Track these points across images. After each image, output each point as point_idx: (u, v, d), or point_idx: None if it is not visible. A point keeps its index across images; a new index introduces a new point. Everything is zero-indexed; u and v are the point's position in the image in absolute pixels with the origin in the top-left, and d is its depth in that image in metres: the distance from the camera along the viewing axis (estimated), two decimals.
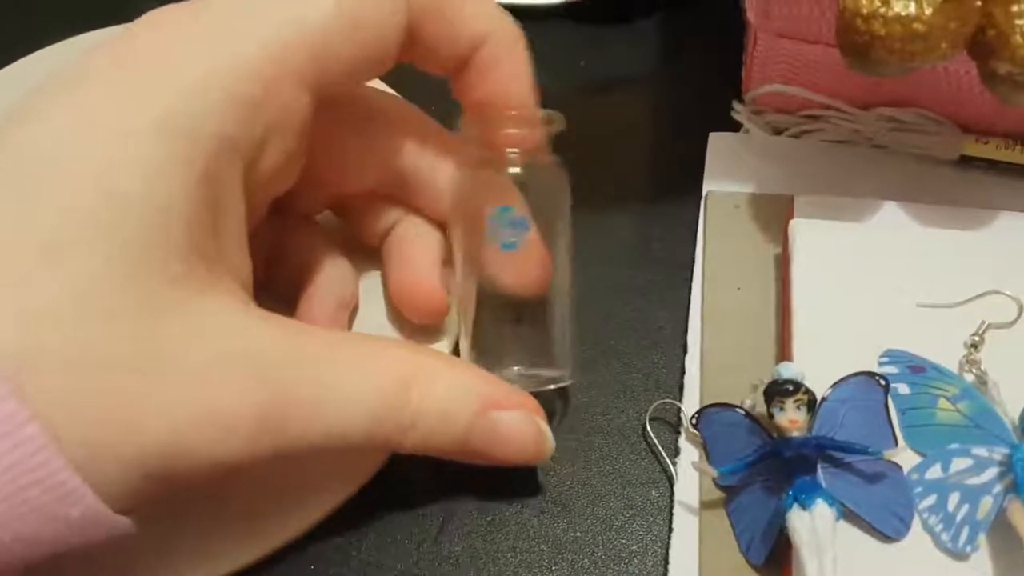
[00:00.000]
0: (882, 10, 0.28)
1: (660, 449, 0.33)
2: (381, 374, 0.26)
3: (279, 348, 0.25)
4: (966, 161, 0.37)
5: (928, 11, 0.28)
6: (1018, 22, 0.29)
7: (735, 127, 0.39)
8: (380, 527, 0.32)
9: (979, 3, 0.29)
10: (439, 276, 0.32)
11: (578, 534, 0.32)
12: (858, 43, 0.29)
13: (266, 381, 0.24)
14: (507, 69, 0.31)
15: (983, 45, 0.29)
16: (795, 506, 0.28)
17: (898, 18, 0.28)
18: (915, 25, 0.28)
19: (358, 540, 0.32)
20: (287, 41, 0.25)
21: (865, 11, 0.28)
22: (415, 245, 0.33)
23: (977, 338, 0.31)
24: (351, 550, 0.32)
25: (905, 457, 0.30)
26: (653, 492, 0.33)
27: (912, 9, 0.28)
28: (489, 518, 0.32)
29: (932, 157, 0.37)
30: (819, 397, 0.30)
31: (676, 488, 0.32)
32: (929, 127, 0.37)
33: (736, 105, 0.39)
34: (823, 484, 0.28)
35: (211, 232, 0.24)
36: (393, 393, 0.26)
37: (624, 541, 0.32)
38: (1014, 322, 0.32)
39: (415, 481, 0.33)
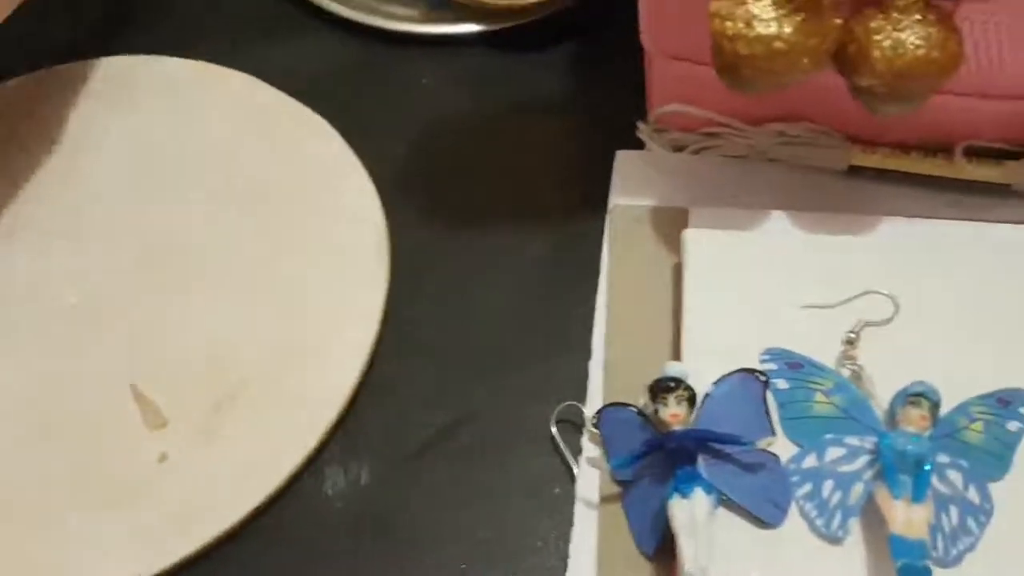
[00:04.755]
0: (745, 31, 0.30)
1: (564, 449, 0.35)
2: None
3: None
4: (855, 171, 0.39)
5: (788, 30, 0.30)
6: (876, 37, 0.31)
7: (643, 145, 0.42)
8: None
9: (839, 20, 0.31)
10: None
11: (488, 534, 0.34)
12: (728, 63, 0.31)
13: None
14: None
15: (846, 60, 0.32)
16: (675, 495, 0.29)
17: (760, 38, 0.30)
18: (776, 44, 0.30)
19: None
20: None
21: (730, 32, 0.30)
22: None
23: (853, 335, 0.33)
24: None
25: (784, 448, 0.31)
26: (557, 489, 0.34)
27: (772, 29, 0.30)
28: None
29: (823, 168, 0.39)
30: (704, 393, 0.32)
31: (577, 485, 0.33)
32: (818, 140, 0.39)
33: (639, 124, 0.41)
34: (703, 474, 0.30)
35: None
36: None
37: (529, 538, 0.34)
38: (890, 319, 0.34)
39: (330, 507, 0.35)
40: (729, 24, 0.30)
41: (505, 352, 0.38)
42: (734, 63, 0.31)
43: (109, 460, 0.34)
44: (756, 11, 0.30)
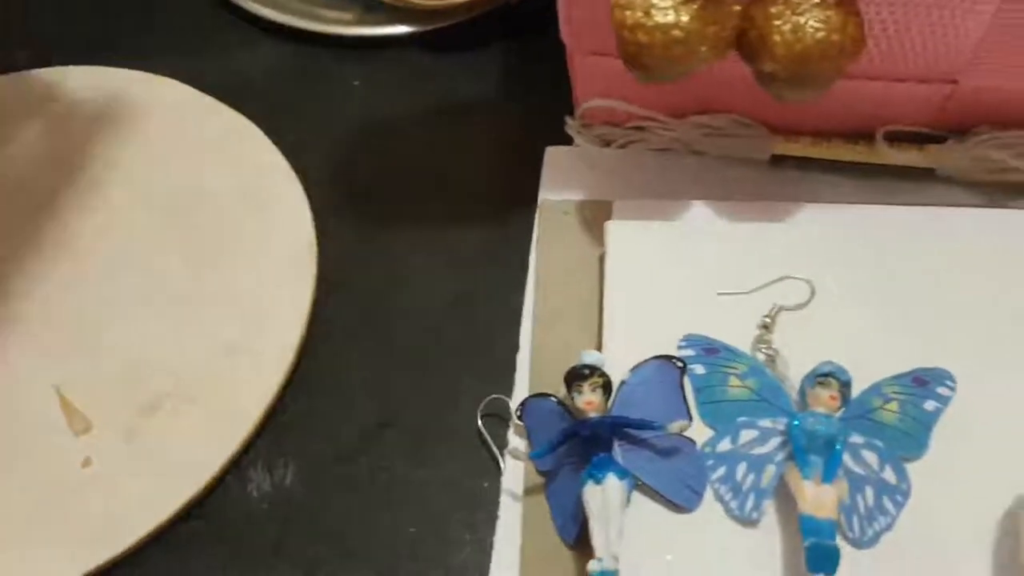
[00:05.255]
0: (643, 20, 0.30)
1: (491, 442, 0.35)
2: None
3: None
4: (779, 160, 0.39)
5: (685, 18, 0.30)
6: (776, 23, 0.31)
7: (573, 141, 0.42)
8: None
9: (738, 7, 0.31)
10: None
11: (412, 530, 0.34)
12: (629, 53, 0.31)
13: None
14: None
15: (748, 47, 0.32)
16: (589, 481, 0.29)
17: (658, 26, 0.30)
18: (674, 32, 0.30)
19: None
20: None
21: (630, 22, 0.31)
22: None
23: (768, 320, 0.33)
24: None
25: (702, 433, 0.32)
26: (484, 483, 0.34)
27: (670, 17, 0.30)
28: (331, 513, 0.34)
29: (747, 159, 0.39)
30: (621, 381, 0.32)
31: (503, 477, 0.33)
32: (741, 131, 0.39)
33: (568, 120, 0.41)
34: (619, 460, 0.30)
35: None
36: None
37: (457, 533, 0.34)
38: (807, 303, 0.34)
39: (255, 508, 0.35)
40: (628, 13, 0.31)
41: (435, 349, 0.38)
42: (635, 52, 0.31)
43: (33, 465, 0.34)
44: (655, 0, 0.30)
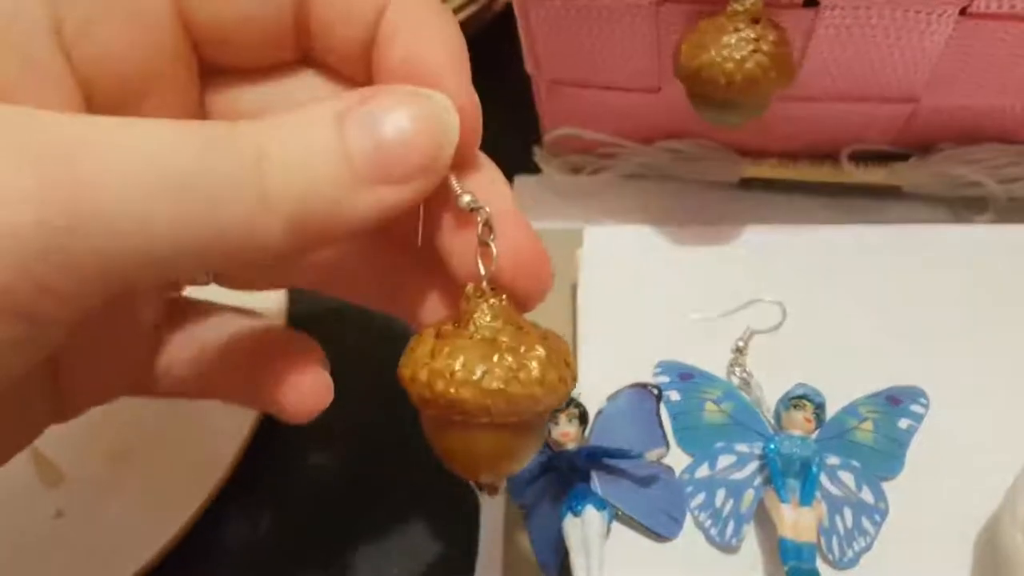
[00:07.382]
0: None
1: None
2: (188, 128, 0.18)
3: (61, 126, 0.17)
4: (748, 183, 0.39)
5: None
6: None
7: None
8: None
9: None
10: None
11: (395, 571, 0.34)
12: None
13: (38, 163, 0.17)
14: (423, 32, 0.22)
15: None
16: (568, 514, 0.29)
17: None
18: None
19: None
20: None
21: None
22: None
23: (742, 343, 0.33)
24: None
25: (678, 459, 0.32)
26: (463, 519, 0.34)
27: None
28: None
29: (716, 182, 0.40)
30: (597, 410, 0.32)
31: (482, 513, 0.33)
32: (709, 154, 0.39)
33: (535, 149, 0.41)
34: (598, 491, 0.30)
35: None
36: (219, 139, 0.18)
37: (435, 569, 0.33)
38: (779, 325, 0.34)
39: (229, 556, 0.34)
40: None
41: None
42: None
43: (4, 518, 0.34)
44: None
